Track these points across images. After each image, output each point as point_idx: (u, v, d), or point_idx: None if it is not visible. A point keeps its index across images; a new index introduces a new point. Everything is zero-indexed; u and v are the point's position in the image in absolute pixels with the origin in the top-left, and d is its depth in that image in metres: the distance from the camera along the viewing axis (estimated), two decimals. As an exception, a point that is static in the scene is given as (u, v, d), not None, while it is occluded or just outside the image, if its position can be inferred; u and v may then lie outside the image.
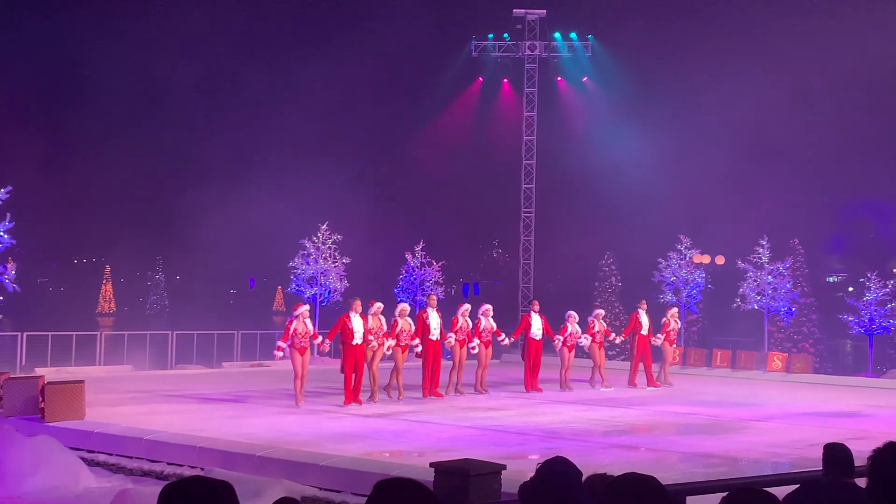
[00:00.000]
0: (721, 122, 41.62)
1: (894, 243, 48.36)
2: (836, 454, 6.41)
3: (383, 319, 19.75)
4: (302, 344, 18.77)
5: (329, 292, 30.33)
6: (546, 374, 23.30)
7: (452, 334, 21.20)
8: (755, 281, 30.62)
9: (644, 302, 25.14)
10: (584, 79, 39.94)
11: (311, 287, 30.28)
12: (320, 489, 11.64)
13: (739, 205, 41.75)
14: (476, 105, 42.31)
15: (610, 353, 29.41)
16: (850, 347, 34.57)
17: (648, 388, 23.67)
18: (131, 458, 13.70)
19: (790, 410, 19.97)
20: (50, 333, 26.99)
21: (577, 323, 23.54)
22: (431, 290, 31.78)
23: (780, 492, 6.17)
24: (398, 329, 20.09)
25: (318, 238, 30.28)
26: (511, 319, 28.67)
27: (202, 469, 12.41)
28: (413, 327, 20.54)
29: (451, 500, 8.95)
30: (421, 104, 47.37)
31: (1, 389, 16.36)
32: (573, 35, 38.36)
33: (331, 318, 32.88)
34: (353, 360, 18.87)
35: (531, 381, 22.48)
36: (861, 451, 6.86)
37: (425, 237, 33.13)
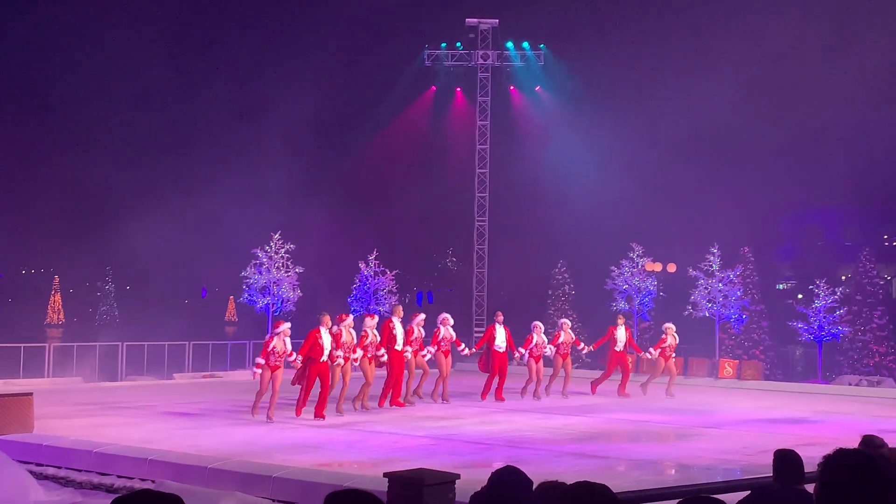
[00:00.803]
0: (672, 130, 42.03)
1: (843, 251, 49.15)
2: (786, 460, 6.48)
3: (354, 333, 19.56)
4: (276, 363, 18.23)
5: (282, 302, 30.11)
6: (511, 383, 23.10)
7: (409, 347, 21.15)
8: (706, 288, 30.92)
9: (622, 317, 25.08)
10: (537, 88, 40.17)
11: (264, 297, 30.04)
12: (273, 501, 11.56)
13: (691, 213, 42.16)
14: (429, 113, 42.38)
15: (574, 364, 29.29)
16: (800, 354, 35.01)
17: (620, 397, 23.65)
18: (80, 471, 13.51)
19: (741, 417, 20.16)
20: (-3, 345, 26.58)
21: (544, 333, 23.41)
22: (385, 299, 31.72)
23: (732, 498, 6.22)
24: (367, 341, 19.89)
25: (271, 247, 30.06)
26: (465, 328, 28.69)
27: (153, 482, 12.28)
28: (378, 338, 20.34)
29: (405, 510, 8.91)
30: (374, 112, 47.29)
31: (-54, 403, 16.06)
32: (526, 44, 38.60)
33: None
34: (316, 375, 18.48)
35: (496, 391, 22.23)
36: (811, 457, 6.93)
37: (379, 246, 33.05)
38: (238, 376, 28.08)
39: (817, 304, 29.66)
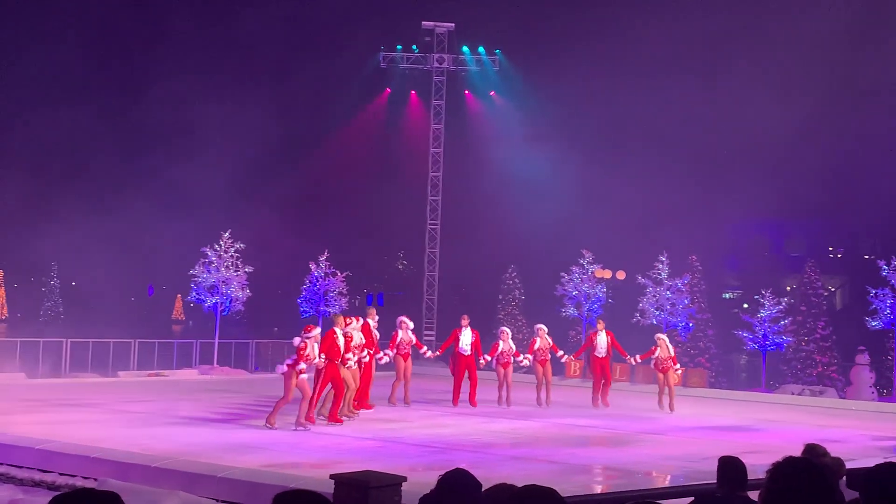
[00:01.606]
0: (624, 138, 42.39)
1: (788, 262, 49.83)
2: (729, 467, 6.56)
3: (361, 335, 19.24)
4: (305, 368, 17.22)
5: (230, 301, 29.86)
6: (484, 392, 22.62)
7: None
8: (654, 296, 31.21)
9: (602, 322, 24.58)
10: (492, 93, 40.33)
11: (213, 296, 29.77)
12: (217, 501, 11.46)
13: (640, 221, 42.49)
14: (384, 116, 42.36)
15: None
16: (745, 362, 35.43)
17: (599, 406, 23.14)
18: (21, 467, 13.30)
19: (685, 424, 20.34)
20: (-62, 339, 26.14)
21: (512, 339, 23.04)
22: (335, 300, 31.54)
23: (676, 504, 6.28)
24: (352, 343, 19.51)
25: (221, 246, 29.78)
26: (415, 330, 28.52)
27: (96, 480, 12.12)
28: (364, 340, 19.82)
29: (351, 512, 8.88)
30: (328, 113, 47.17)
31: None
32: (481, 49, 38.73)
33: (232, 329, 32.52)
34: (330, 378, 17.78)
35: (469, 396, 21.81)
36: (754, 464, 7.03)
37: (330, 247, 32.89)
38: (183, 375, 27.83)
39: (762, 313, 30.06)
